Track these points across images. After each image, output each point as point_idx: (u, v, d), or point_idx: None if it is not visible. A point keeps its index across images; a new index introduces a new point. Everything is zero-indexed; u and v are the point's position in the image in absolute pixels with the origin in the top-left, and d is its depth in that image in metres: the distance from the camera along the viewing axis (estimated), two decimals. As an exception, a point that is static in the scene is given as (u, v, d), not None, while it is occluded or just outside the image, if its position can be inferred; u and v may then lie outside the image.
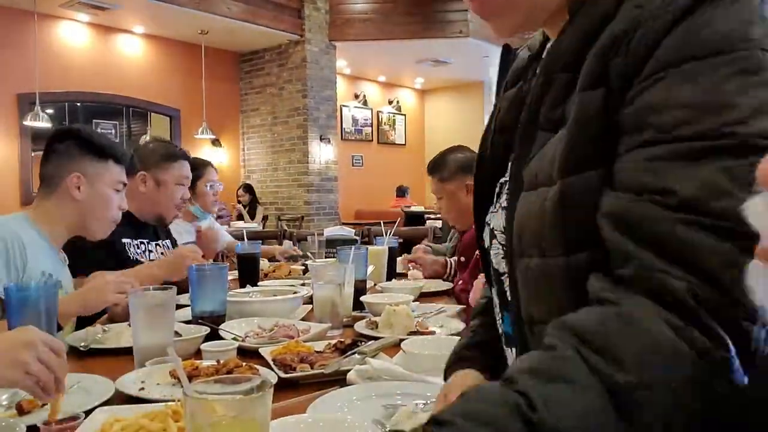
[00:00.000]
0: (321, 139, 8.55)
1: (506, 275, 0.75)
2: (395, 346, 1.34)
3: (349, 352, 1.26)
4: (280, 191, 8.83)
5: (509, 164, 0.74)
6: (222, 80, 8.75)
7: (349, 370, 1.16)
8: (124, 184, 1.76)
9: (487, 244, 0.84)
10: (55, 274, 1.60)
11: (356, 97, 10.78)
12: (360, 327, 1.60)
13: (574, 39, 0.64)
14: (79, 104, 7.56)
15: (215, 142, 8.73)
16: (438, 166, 2.35)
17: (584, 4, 0.63)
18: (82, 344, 1.41)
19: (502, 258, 0.78)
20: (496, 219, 0.80)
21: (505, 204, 0.75)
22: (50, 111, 6.93)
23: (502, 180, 0.81)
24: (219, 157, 8.95)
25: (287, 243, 5.61)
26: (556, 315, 0.56)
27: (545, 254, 0.63)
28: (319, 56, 8.47)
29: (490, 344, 0.90)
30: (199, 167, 3.14)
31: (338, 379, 1.15)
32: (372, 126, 11.06)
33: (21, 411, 0.99)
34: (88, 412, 0.95)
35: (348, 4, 8.60)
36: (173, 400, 0.98)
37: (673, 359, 0.47)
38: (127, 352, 1.33)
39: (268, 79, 8.74)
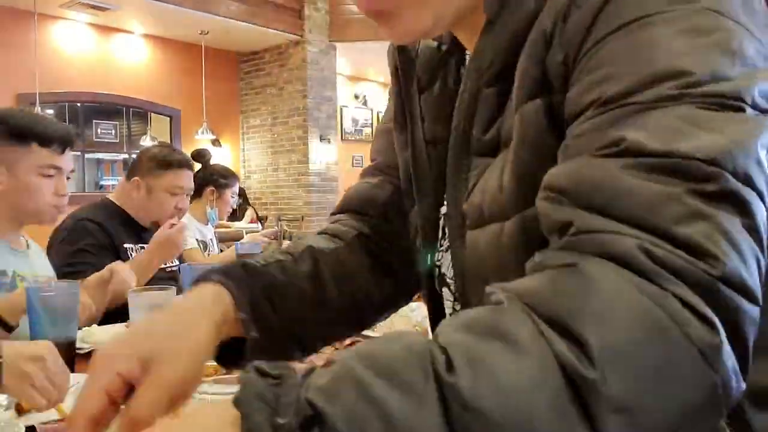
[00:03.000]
0: (321, 140, 8.55)
1: None
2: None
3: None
4: (281, 191, 8.83)
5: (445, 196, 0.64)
6: (222, 80, 8.74)
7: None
8: (58, 168, 1.60)
9: (438, 289, 0.70)
10: (5, 265, 1.55)
11: (356, 97, 10.77)
12: (360, 327, 1.60)
13: (498, 46, 0.55)
14: (79, 104, 7.55)
15: (215, 143, 8.72)
16: None
17: (505, 4, 0.54)
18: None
19: (451, 311, 0.67)
20: (445, 262, 0.67)
21: (446, 245, 0.65)
22: (50, 111, 6.92)
23: (443, 210, 0.68)
24: (219, 157, 8.94)
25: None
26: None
27: (493, 221, 0.54)
28: (320, 57, 8.46)
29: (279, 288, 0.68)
30: (230, 176, 3.29)
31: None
32: (372, 126, 11.05)
33: (20, 411, 0.99)
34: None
35: (348, 4, 8.60)
36: (173, 401, 0.98)
37: (661, 342, 0.35)
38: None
39: (269, 80, 8.74)
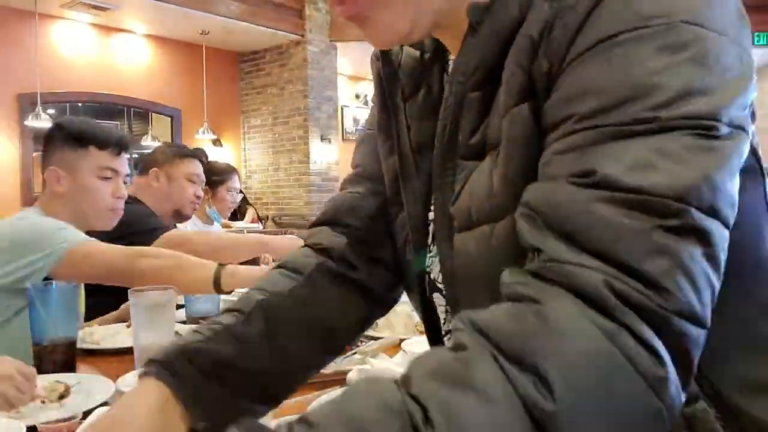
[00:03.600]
0: (322, 140, 8.55)
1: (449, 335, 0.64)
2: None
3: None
4: (281, 191, 8.83)
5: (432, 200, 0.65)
6: (223, 80, 8.74)
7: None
8: (114, 171, 1.68)
9: (429, 296, 0.70)
10: None
11: (357, 97, 10.77)
12: (360, 327, 1.60)
13: (482, 51, 0.56)
14: (80, 104, 7.56)
15: (216, 143, 8.73)
16: None
17: (489, 10, 0.54)
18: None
19: (446, 315, 0.68)
20: (435, 267, 0.68)
21: (435, 250, 0.66)
22: (51, 111, 6.93)
23: (431, 216, 0.68)
24: (220, 157, 8.94)
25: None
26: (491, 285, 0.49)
27: (497, 291, 0.49)
28: (320, 56, 8.46)
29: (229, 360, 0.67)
30: (223, 173, 3.23)
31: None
32: (373, 126, 11.05)
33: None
34: (88, 412, 0.95)
35: (349, 4, 8.60)
36: (173, 400, 0.98)
37: (614, 376, 0.38)
38: (128, 352, 1.33)
39: (269, 80, 8.74)
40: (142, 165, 2.44)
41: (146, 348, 1.26)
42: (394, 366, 1.17)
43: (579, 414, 0.37)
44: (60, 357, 1.21)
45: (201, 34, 7.86)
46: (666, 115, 0.43)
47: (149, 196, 2.31)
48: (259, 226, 7.46)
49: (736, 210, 0.44)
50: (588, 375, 0.38)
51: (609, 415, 0.38)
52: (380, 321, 1.59)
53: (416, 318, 1.64)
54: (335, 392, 1.05)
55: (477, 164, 0.58)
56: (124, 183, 1.74)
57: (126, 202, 2.18)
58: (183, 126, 8.33)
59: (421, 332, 1.53)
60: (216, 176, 3.18)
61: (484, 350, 0.39)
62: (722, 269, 0.43)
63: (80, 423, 0.90)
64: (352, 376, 1.14)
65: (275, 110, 8.73)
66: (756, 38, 8.59)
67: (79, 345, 1.40)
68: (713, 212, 0.42)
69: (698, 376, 0.51)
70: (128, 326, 1.51)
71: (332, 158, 8.76)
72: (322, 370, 1.15)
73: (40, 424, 0.90)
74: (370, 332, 1.54)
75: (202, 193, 2.48)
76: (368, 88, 10.94)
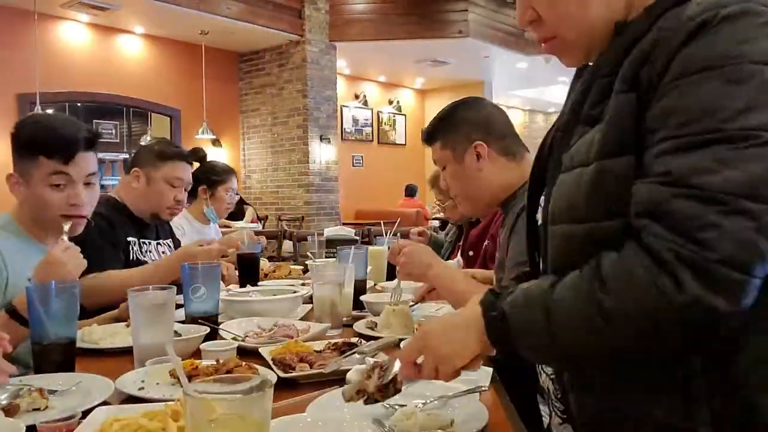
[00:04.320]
0: (321, 139, 8.55)
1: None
2: (395, 346, 1.34)
3: (349, 352, 1.26)
4: (281, 191, 8.83)
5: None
6: (222, 80, 8.75)
7: (348, 370, 1.16)
8: (67, 176, 1.54)
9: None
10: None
11: (356, 97, 10.78)
12: (359, 327, 1.60)
13: (613, 53, 0.79)
14: (79, 104, 7.57)
15: (215, 142, 8.73)
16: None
17: (624, 26, 0.80)
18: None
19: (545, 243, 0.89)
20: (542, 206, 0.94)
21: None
22: (50, 111, 6.92)
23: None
24: (219, 157, 8.94)
25: (288, 243, 5.63)
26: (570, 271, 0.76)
27: (573, 221, 0.78)
28: (319, 56, 8.47)
29: None
30: (222, 173, 3.19)
31: (338, 379, 1.15)
32: (372, 126, 11.05)
33: (7, 414, 0.98)
34: (87, 412, 0.95)
35: (348, 4, 8.60)
36: (173, 400, 0.98)
37: (644, 297, 0.66)
38: (127, 351, 1.33)
39: (269, 79, 8.75)
40: (128, 162, 2.39)
41: (145, 347, 1.27)
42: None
43: (620, 308, 0.68)
44: (59, 357, 1.21)
45: (200, 34, 7.86)
46: (728, 127, 0.65)
47: (129, 196, 2.25)
48: (258, 225, 7.46)
49: None
50: (631, 291, 0.67)
51: (639, 311, 0.67)
52: (379, 321, 1.59)
53: (417, 318, 1.64)
54: (335, 392, 1.05)
55: (589, 129, 0.79)
56: (89, 184, 1.60)
57: (108, 203, 2.18)
58: (182, 126, 8.33)
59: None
60: (215, 176, 3.15)
61: (589, 273, 0.72)
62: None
63: (79, 422, 0.90)
64: (351, 376, 1.14)
65: (274, 110, 8.73)
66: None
67: (78, 344, 1.40)
68: (757, 198, 0.63)
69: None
70: (127, 326, 1.51)
71: (331, 158, 8.76)
72: (321, 370, 1.16)
73: (40, 424, 0.90)
74: (369, 332, 1.55)
75: (184, 197, 2.36)
76: (367, 88, 10.94)
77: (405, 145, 11.68)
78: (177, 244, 2.52)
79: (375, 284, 2.28)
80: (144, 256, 2.19)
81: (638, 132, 0.72)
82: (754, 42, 0.67)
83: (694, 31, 0.68)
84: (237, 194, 3.23)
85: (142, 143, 7.94)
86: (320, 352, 1.29)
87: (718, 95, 0.66)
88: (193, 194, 3.28)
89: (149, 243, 2.26)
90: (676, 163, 0.67)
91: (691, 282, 0.63)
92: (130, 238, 2.16)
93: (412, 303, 1.71)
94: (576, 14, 0.82)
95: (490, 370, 1.19)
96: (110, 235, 2.07)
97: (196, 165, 3.16)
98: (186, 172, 2.36)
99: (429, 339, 0.87)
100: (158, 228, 2.37)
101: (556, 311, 0.73)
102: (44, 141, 1.53)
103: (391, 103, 11.48)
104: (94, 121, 7.75)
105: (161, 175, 2.26)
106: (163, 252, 2.33)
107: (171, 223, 2.54)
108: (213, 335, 1.47)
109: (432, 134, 1.70)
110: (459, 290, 1.47)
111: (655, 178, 0.68)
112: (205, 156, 3.89)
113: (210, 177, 3.16)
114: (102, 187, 7.22)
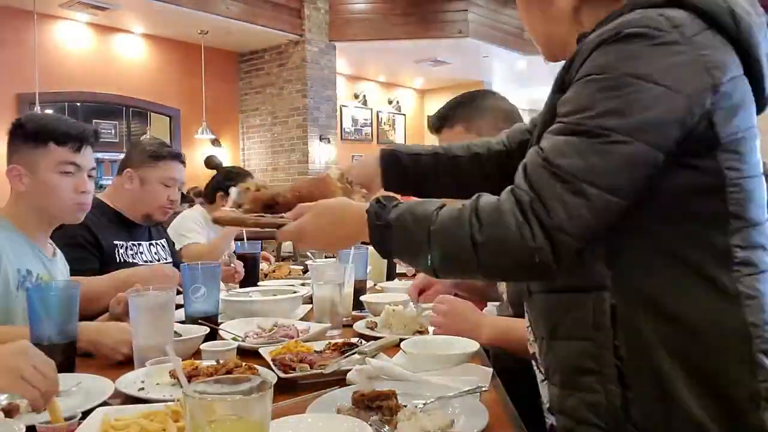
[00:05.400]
0: (321, 139, 8.55)
1: None
2: (395, 347, 1.34)
3: (349, 352, 1.26)
4: (280, 191, 8.82)
5: None
6: (222, 80, 8.74)
7: (348, 370, 1.16)
8: (76, 165, 1.63)
9: None
10: (37, 270, 1.59)
11: (356, 97, 10.78)
12: (359, 327, 1.60)
13: (567, 61, 0.92)
14: (78, 104, 7.56)
15: (215, 142, 8.73)
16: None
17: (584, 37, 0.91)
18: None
19: None
20: None
21: None
22: (50, 111, 6.92)
23: None
24: (219, 157, 8.95)
25: (287, 243, 5.62)
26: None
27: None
28: (319, 56, 8.47)
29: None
30: (235, 177, 3.22)
31: (338, 379, 1.15)
32: (372, 126, 11.05)
33: (7, 414, 0.98)
34: (87, 412, 0.95)
35: (348, 4, 8.60)
36: (173, 401, 0.98)
37: (508, 235, 0.80)
38: (127, 352, 1.33)
39: (268, 79, 8.74)
40: (120, 162, 2.34)
41: (145, 348, 1.27)
42: (394, 366, 1.17)
43: (486, 240, 0.82)
44: (60, 357, 1.20)
45: (200, 33, 7.86)
46: (589, 123, 0.80)
47: (122, 198, 2.23)
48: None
49: (623, 187, 0.79)
50: (498, 229, 0.81)
51: (500, 244, 0.82)
52: (379, 321, 1.59)
53: (418, 318, 1.64)
54: (335, 392, 1.05)
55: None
56: (90, 177, 1.68)
57: (93, 207, 2.15)
58: (182, 126, 8.33)
59: (418, 333, 1.53)
60: (229, 181, 3.19)
61: (468, 210, 0.85)
62: (602, 210, 0.79)
63: (79, 423, 0.90)
64: (351, 376, 1.14)
65: (274, 110, 8.73)
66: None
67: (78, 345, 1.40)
68: (593, 184, 0.78)
69: (611, 275, 0.85)
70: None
71: (331, 158, 8.76)
72: (321, 371, 1.16)
73: (39, 425, 0.90)
74: (369, 332, 1.55)
75: (177, 197, 2.34)
76: (367, 88, 10.94)
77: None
78: (171, 244, 2.51)
79: (375, 284, 2.28)
80: (133, 259, 2.18)
81: None
82: (638, 59, 0.79)
83: (597, 45, 0.82)
84: None
85: (139, 141, 7.94)
86: (320, 352, 1.29)
87: (590, 97, 0.81)
88: (210, 199, 3.33)
89: (139, 245, 2.24)
90: (549, 142, 0.83)
91: (539, 234, 0.78)
92: (117, 242, 2.13)
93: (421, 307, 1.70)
94: (537, 27, 1.03)
95: (490, 370, 1.19)
96: (87, 239, 2.04)
97: (213, 172, 3.18)
98: (180, 172, 2.34)
99: (305, 235, 1.01)
100: (150, 229, 2.35)
101: (436, 235, 0.85)
102: (56, 129, 1.61)
103: (390, 103, 11.48)
104: (94, 120, 7.73)
105: (156, 175, 2.24)
106: (156, 253, 2.32)
107: (187, 217, 2.54)
108: (213, 335, 1.47)
109: (449, 118, 1.72)
110: (513, 339, 1.34)
111: (537, 149, 0.84)
112: (220, 164, 3.93)
113: (224, 183, 3.21)
114: (101, 186, 7.18)
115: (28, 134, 1.60)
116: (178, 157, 2.36)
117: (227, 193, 3.07)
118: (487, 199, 0.84)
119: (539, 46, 1.04)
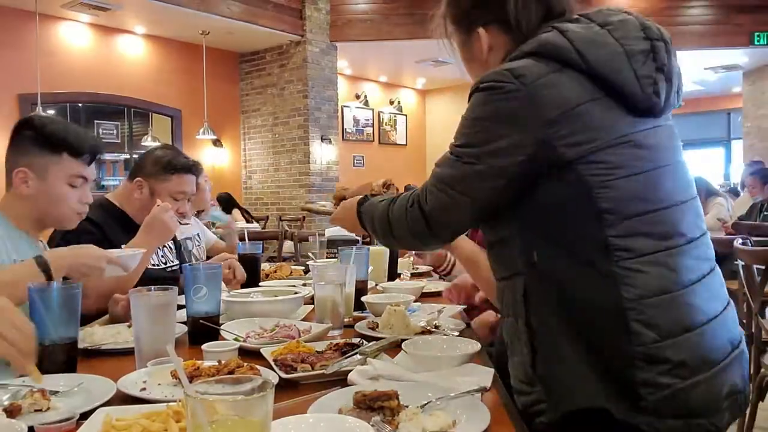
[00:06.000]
0: (322, 140, 8.56)
1: None
2: (396, 347, 1.34)
3: (350, 353, 1.26)
4: (282, 191, 8.84)
5: None
6: (223, 80, 8.75)
7: (350, 371, 1.16)
8: (84, 178, 1.64)
9: None
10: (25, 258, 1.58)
11: (357, 97, 10.78)
12: (361, 327, 1.60)
13: None
14: (80, 105, 7.57)
15: (216, 143, 8.74)
16: None
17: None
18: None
19: None
20: None
21: None
22: (51, 111, 6.94)
23: None
24: (220, 157, 8.96)
25: (288, 244, 5.63)
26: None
27: None
28: (320, 56, 8.47)
29: None
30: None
31: (339, 380, 1.15)
32: (373, 126, 11.06)
33: (9, 415, 0.98)
34: (89, 413, 0.95)
35: (349, 4, 8.61)
36: (174, 401, 0.98)
37: (403, 214, 1.20)
38: (129, 352, 1.33)
39: (269, 80, 8.75)
40: (132, 167, 2.32)
41: (147, 348, 1.27)
42: (396, 366, 1.17)
43: (391, 221, 1.25)
44: (61, 357, 1.21)
45: (201, 34, 7.87)
46: (455, 150, 1.12)
47: (130, 203, 2.22)
48: (258, 226, 7.44)
49: (474, 190, 1.10)
50: (398, 214, 1.23)
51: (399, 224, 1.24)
52: (381, 321, 1.59)
53: (417, 319, 1.64)
54: (336, 392, 1.05)
55: None
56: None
57: (102, 207, 2.15)
58: (183, 126, 8.34)
59: (429, 331, 1.53)
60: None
61: (387, 204, 1.28)
62: (461, 207, 1.12)
63: (78, 424, 0.91)
64: (353, 376, 1.14)
65: (275, 110, 8.74)
66: (756, 38, 8.61)
67: (79, 345, 1.40)
68: (452, 187, 1.11)
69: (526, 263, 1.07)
70: (129, 326, 1.51)
71: (332, 158, 8.76)
72: (323, 371, 1.16)
73: (38, 426, 0.90)
74: (370, 333, 1.55)
75: (186, 208, 2.31)
76: (368, 88, 10.94)
77: (406, 145, 11.68)
78: (179, 245, 2.51)
79: (376, 285, 2.28)
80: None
81: None
82: (484, 106, 1.07)
83: (471, 93, 1.10)
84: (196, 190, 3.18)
85: (144, 144, 7.95)
86: (322, 352, 1.28)
87: (459, 131, 1.12)
88: None
89: None
90: (439, 158, 1.16)
91: (419, 216, 1.16)
92: (124, 246, 2.13)
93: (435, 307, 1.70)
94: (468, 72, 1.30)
95: (492, 370, 1.19)
96: (99, 239, 2.03)
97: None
98: (191, 184, 2.31)
99: (334, 218, 1.53)
100: None
101: (376, 214, 1.29)
102: (72, 140, 1.61)
103: (392, 103, 11.48)
104: (95, 121, 7.75)
105: (166, 188, 2.21)
106: (163, 255, 2.32)
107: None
108: (214, 336, 1.47)
109: None
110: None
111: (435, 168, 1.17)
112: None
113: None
114: (102, 187, 7.19)
115: (41, 139, 1.58)
116: (191, 170, 2.32)
117: None
118: (404, 194, 1.24)
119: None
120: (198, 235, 3.14)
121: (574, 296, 1.02)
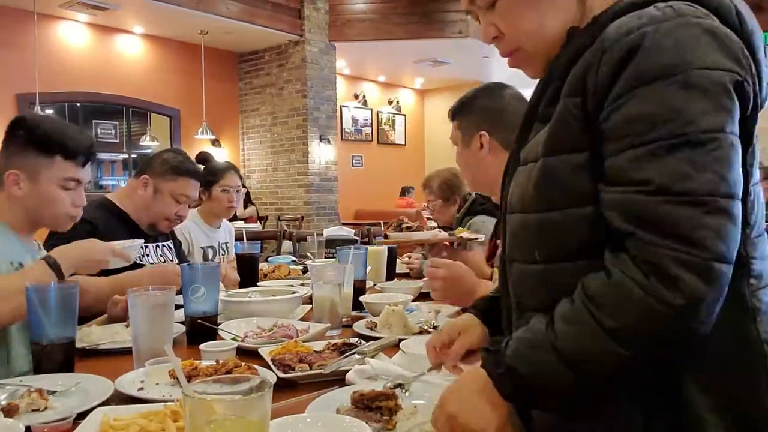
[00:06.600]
0: (321, 140, 8.55)
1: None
2: (394, 347, 1.34)
3: (349, 353, 1.26)
4: (280, 191, 8.83)
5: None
6: (221, 80, 8.75)
7: (348, 371, 1.16)
8: (78, 181, 1.61)
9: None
10: (20, 258, 1.55)
11: (356, 97, 10.78)
12: (359, 327, 1.60)
13: (564, 60, 0.84)
14: (78, 104, 7.56)
15: (215, 143, 8.73)
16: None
17: (572, 37, 0.85)
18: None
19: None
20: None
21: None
22: (50, 111, 6.92)
23: None
24: (219, 157, 8.94)
25: (287, 243, 5.63)
26: (526, 256, 0.85)
27: (524, 211, 0.86)
28: (319, 56, 8.47)
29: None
30: (217, 173, 3.03)
31: (337, 379, 1.15)
32: (372, 126, 11.05)
33: (6, 414, 0.98)
34: (86, 412, 0.95)
35: (348, 4, 8.60)
36: (172, 401, 0.98)
37: (642, 313, 0.70)
38: (127, 352, 1.33)
39: (268, 80, 8.74)
40: (140, 166, 2.36)
41: (145, 348, 1.27)
42: (393, 366, 1.17)
43: (623, 327, 0.72)
44: (59, 357, 1.21)
45: (200, 34, 7.86)
46: (690, 130, 0.70)
47: (132, 201, 2.23)
48: (258, 226, 7.45)
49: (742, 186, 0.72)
50: (629, 309, 0.71)
51: (640, 326, 0.71)
52: (379, 321, 1.59)
53: (414, 320, 1.64)
54: (334, 392, 1.05)
55: (543, 127, 0.85)
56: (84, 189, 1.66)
57: (101, 207, 2.15)
58: (182, 126, 8.33)
59: (417, 333, 1.53)
60: (210, 176, 3.08)
61: (580, 302, 0.75)
62: (746, 221, 0.75)
63: (75, 424, 0.91)
64: (351, 376, 1.14)
65: (274, 110, 8.73)
66: (754, 39, 8.60)
67: (77, 345, 1.40)
68: (732, 196, 0.70)
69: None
70: (127, 326, 1.51)
71: (331, 158, 8.76)
72: (321, 371, 1.16)
73: (36, 425, 0.90)
74: (369, 332, 1.55)
75: (186, 212, 2.35)
76: (367, 88, 10.94)
77: (405, 145, 11.68)
78: (178, 245, 2.51)
79: (374, 284, 2.28)
80: (140, 261, 2.17)
81: (590, 133, 0.78)
82: (694, 51, 0.72)
83: (638, 43, 0.73)
84: (239, 191, 3.12)
85: (142, 144, 7.95)
86: (320, 352, 1.28)
87: (676, 101, 0.71)
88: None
89: (146, 247, 2.24)
90: (654, 171, 0.71)
91: (693, 281, 0.68)
92: None
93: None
94: (532, 28, 0.88)
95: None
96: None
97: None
98: (194, 190, 2.35)
99: (448, 406, 0.83)
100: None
101: (564, 345, 0.74)
102: (67, 142, 1.57)
103: (390, 103, 11.48)
104: (94, 121, 7.74)
105: (170, 189, 2.24)
106: (162, 255, 2.32)
107: (178, 227, 2.52)
108: (212, 335, 1.47)
109: (453, 112, 1.70)
110: None
111: (636, 187, 0.72)
112: (207, 159, 3.83)
113: (205, 178, 3.11)
114: (101, 186, 7.19)
115: (34, 141, 1.54)
116: (197, 176, 2.36)
117: (207, 188, 3.00)
118: (599, 280, 0.74)
119: (534, 55, 0.91)
120: (225, 245, 3.05)
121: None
